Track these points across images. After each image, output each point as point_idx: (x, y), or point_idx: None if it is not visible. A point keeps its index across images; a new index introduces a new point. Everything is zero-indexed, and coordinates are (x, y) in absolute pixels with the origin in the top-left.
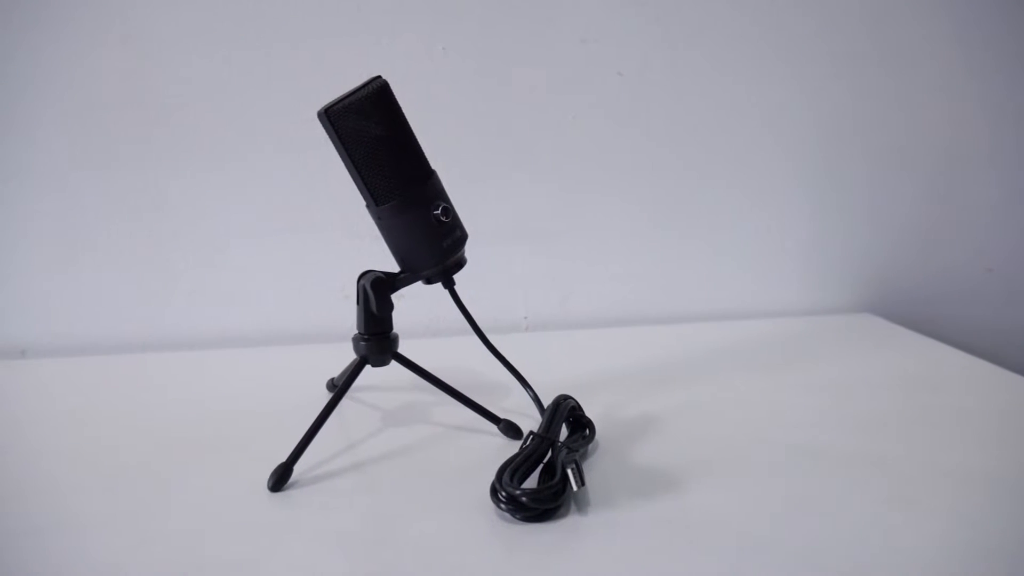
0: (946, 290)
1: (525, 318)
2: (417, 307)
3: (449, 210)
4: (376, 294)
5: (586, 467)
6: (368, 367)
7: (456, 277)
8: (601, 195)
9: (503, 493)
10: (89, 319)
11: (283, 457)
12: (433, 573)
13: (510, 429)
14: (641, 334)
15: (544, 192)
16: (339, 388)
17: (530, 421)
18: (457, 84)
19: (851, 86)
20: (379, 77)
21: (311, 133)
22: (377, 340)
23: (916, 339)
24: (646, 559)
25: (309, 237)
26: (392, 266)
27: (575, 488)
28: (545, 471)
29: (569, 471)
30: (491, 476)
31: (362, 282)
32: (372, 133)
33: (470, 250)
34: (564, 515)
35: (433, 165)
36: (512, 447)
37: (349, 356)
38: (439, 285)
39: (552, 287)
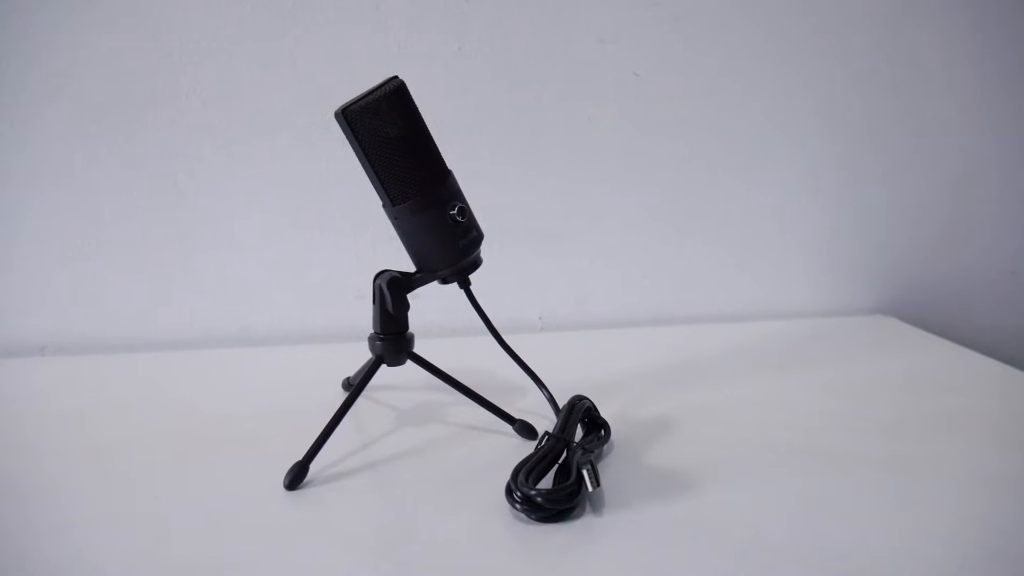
0: (965, 292)
1: (540, 318)
2: (433, 307)
3: (465, 210)
4: (392, 294)
5: (601, 468)
6: (384, 366)
7: (472, 277)
8: (617, 195)
9: (518, 493)
10: (108, 317)
11: (299, 456)
12: (448, 573)
13: (525, 429)
14: (656, 335)
15: (560, 192)
16: (355, 387)
17: (545, 422)
18: (473, 84)
19: (868, 85)
20: (396, 77)
21: (328, 133)
22: (393, 340)
23: (933, 341)
24: (661, 560)
25: (325, 237)
26: (408, 266)
27: (590, 489)
28: (560, 472)
29: (584, 472)
30: (506, 476)
31: (378, 282)
32: (389, 133)
33: (485, 250)
34: (579, 516)
35: (449, 165)
36: (527, 447)
37: (365, 355)
38: (455, 285)
39: (567, 287)
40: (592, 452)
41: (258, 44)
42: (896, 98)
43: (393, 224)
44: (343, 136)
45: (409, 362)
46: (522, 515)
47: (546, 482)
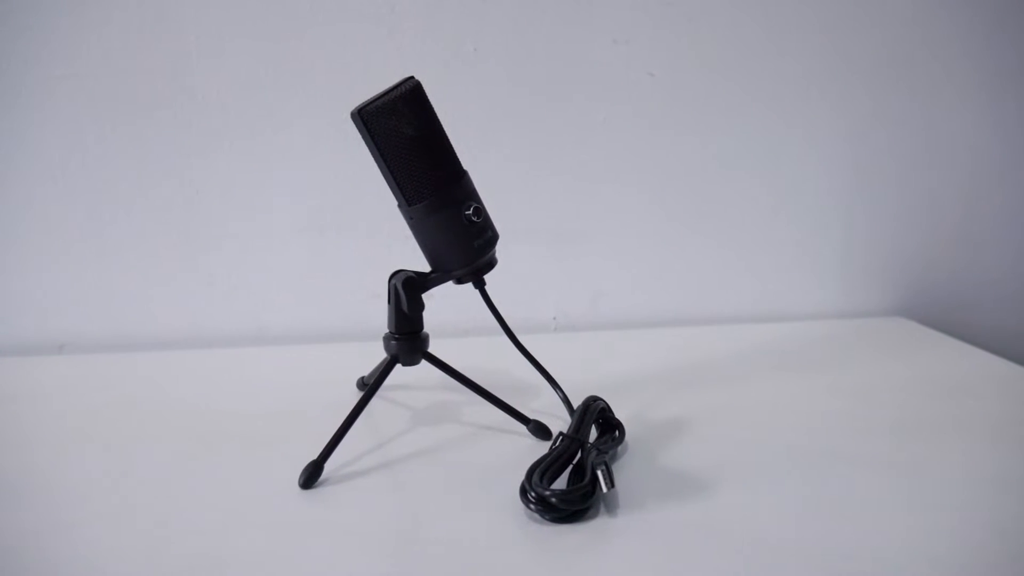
0: (983, 294)
1: (554, 319)
2: (447, 307)
3: (480, 210)
4: (407, 293)
5: (615, 469)
6: (398, 366)
7: (486, 277)
8: (631, 196)
9: (532, 494)
10: (125, 317)
11: (314, 455)
12: (462, 572)
13: (539, 430)
14: (670, 336)
15: (574, 193)
16: (370, 387)
17: (559, 422)
18: (488, 84)
19: (881, 85)
20: (412, 77)
21: (344, 133)
22: (408, 339)
23: (949, 343)
24: (675, 562)
25: (341, 236)
26: (423, 266)
27: (605, 490)
28: (575, 472)
29: (599, 473)
30: (520, 476)
31: (393, 281)
32: (405, 133)
33: (500, 250)
34: (593, 516)
35: (464, 165)
36: (541, 448)
37: (380, 355)
38: (470, 285)
39: (582, 288)
40: (607, 453)
41: (274, 45)
42: (910, 98)
43: (408, 224)
44: (359, 136)
45: (424, 362)
46: (536, 515)
47: (560, 483)
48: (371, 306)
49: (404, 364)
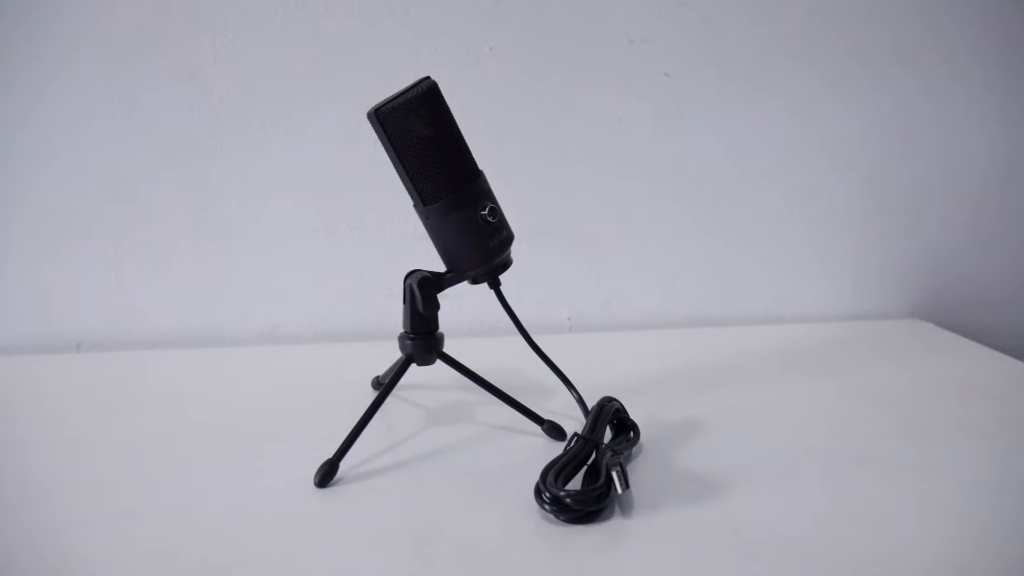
0: (1001, 296)
1: (568, 319)
2: (463, 307)
3: (496, 211)
4: (422, 293)
5: (630, 470)
6: (414, 366)
7: (501, 277)
8: (646, 197)
9: (547, 494)
10: (141, 315)
11: (329, 454)
12: (476, 572)
13: (554, 430)
14: (685, 337)
15: (589, 193)
16: (385, 386)
17: (574, 423)
18: (503, 84)
19: (898, 85)
20: (428, 78)
21: (360, 133)
22: (423, 339)
23: (967, 345)
24: (690, 563)
25: (357, 236)
26: (439, 266)
27: (619, 491)
28: (589, 473)
29: (614, 474)
30: (535, 477)
31: (409, 281)
32: (421, 133)
33: (515, 250)
34: (608, 517)
35: (480, 165)
36: (556, 448)
37: (395, 354)
38: (485, 285)
39: (596, 288)
40: (621, 454)
41: (290, 46)
42: (924, 99)
43: (424, 224)
44: (375, 136)
45: (439, 362)
46: (551, 516)
47: (575, 483)
48: (386, 306)
49: (419, 364)
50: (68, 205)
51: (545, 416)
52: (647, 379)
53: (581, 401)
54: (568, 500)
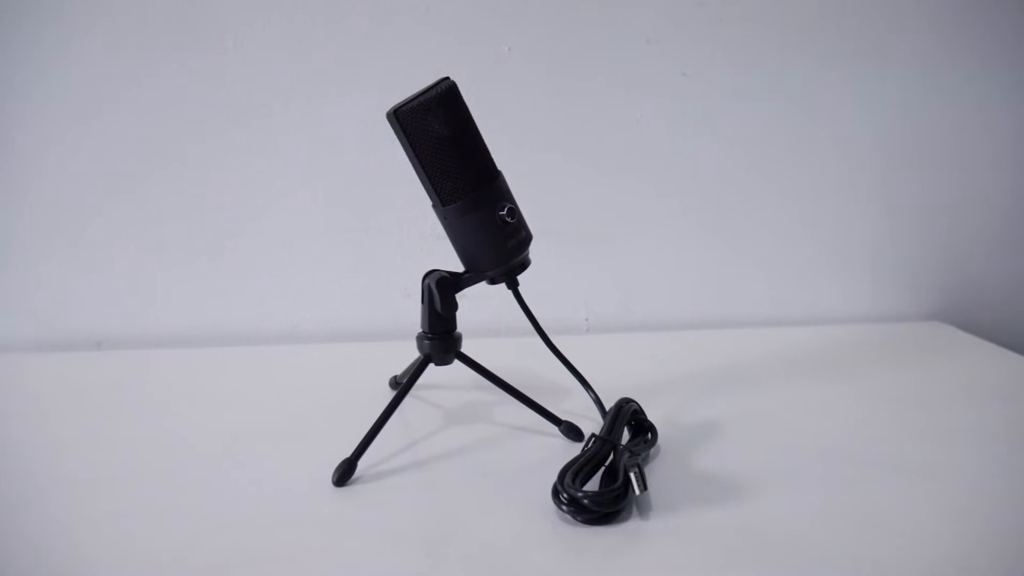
0: (1020, 296)
1: (586, 320)
2: (480, 307)
3: (514, 211)
4: (440, 293)
5: (648, 471)
6: (431, 366)
7: (519, 278)
8: (664, 198)
9: (565, 495)
10: (161, 314)
11: (347, 453)
12: (493, 572)
13: (571, 431)
14: (703, 338)
15: (608, 194)
16: (402, 386)
17: (592, 423)
18: (522, 84)
19: (918, 87)
20: (447, 78)
21: (378, 133)
22: (441, 339)
23: (986, 348)
24: (708, 565)
25: (375, 236)
26: (457, 266)
27: (637, 492)
28: (607, 474)
29: (631, 475)
30: (552, 477)
31: (427, 281)
32: (440, 134)
33: (533, 251)
34: (626, 519)
35: (499, 166)
36: (573, 449)
37: (412, 354)
38: (503, 285)
39: (614, 289)
40: (639, 455)
41: (308, 44)
42: (939, 98)
43: (442, 224)
44: (393, 136)
45: (456, 362)
46: (568, 517)
47: (593, 484)
48: (404, 305)
49: (437, 364)
50: (88, 205)
51: (563, 417)
52: (665, 380)
53: (599, 402)
54: (586, 501)
